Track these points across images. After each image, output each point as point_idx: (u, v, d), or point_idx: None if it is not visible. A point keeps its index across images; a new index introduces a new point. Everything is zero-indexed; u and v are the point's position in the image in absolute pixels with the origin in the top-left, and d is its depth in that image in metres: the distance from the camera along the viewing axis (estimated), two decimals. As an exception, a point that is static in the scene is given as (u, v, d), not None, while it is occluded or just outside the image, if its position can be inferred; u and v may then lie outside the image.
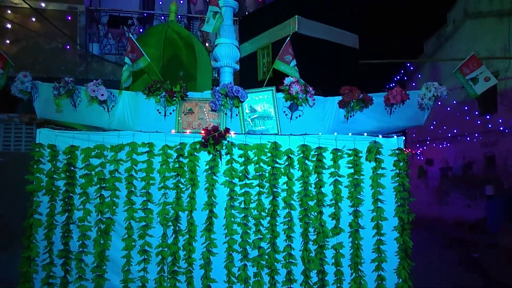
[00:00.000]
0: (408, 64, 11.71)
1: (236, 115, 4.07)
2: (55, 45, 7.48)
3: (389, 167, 3.70)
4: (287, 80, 3.95)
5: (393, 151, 3.71)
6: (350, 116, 4.00)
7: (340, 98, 3.98)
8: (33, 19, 7.54)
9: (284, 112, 4.08)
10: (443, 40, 16.31)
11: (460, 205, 15.41)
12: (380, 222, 3.66)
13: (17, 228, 4.62)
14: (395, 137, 3.76)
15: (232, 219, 3.59)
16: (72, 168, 3.59)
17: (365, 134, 3.81)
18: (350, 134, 3.80)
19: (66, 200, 3.55)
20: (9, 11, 7.56)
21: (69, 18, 7.65)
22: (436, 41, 16.87)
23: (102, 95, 3.78)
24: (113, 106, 3.95)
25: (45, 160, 3.60)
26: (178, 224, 3.59)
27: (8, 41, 7.46)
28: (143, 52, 3.91)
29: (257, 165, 3.66)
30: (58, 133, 3.65)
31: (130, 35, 4.19)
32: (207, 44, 7.96)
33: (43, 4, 7.56)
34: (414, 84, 13.34)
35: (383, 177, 3.67)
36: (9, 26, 7.45)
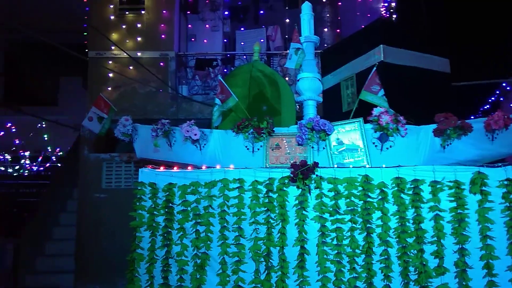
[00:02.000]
0: (504, 84, 10.74)
1: (323, 148, 4.04)
2: (149, 89, 8.16)
3: (497, 200, 3.36)
4: (375, 111, 3.85)
5: (501, 182, 3.37)
6: (447, 145, 3.75)
7: (434, 126, 3.76)
8: (130, 67, 8.36)
9: (374, 143, 3.95)
10: (542, 54, 14.84)
11: None
12: (490, 261, 3.30)
13: (118, 261, 4.97)
14: (502, 166, 3.42)
15: (325, 256, 3.48)
16: (170, 204, 3.80)
17: (466, 163, 3.52)
18: (448, 164, 3.54)
19: (165, 235, 3.75)
20: (110, 62, 8.48)
21: (161, 64, 8.36)
22: (533, 56, 15.40)
23: (195, 134, 4.01)
24: (205, 144, 4.16)
25: (146, 197, 3.86)
26: (270, 260, 3.58)
27: (109, 88, 8.31)
28: (231, 93, 4.10)
29: (348, 200, 3.55)
30: (158, 171, 3.91)
31: (220, 78, 4.43)
32: (286, 78, 8.13)
33: (139, 54, 8.36)
34: (512, 105, 12.17)
35: (491, 211, 3.34)
36: (110, 75, 8.33)
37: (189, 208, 3.76)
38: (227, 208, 3.71)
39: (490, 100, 11.22)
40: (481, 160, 3.65)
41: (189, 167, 3.94)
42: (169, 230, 3.75)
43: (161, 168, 3.96)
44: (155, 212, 3.80)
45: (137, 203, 3.83)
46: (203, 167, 3.93)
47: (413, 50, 4.60)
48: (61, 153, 11.57)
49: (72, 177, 8.67)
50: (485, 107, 10.80)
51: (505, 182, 3.37)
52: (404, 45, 4.56)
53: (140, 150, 4.32)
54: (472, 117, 5.22)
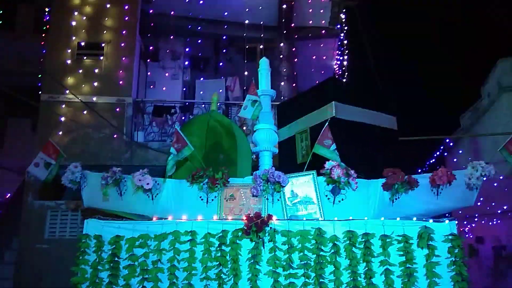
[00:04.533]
0: (448, 140, 11.51)
1: (278, 200, 4.04)
2: (103, 134, 7.99)
3: (443, 254, 3.45)
4: (328, 164, 3.94)
5: (446, 237, 3.48)
6: (396, 199, 3.88)
7: (383, 180, 3.91)
8: (84, 112, 8.17)
9: (326, 196, 4.02)
10: (479, 113, 16.07)
11: (521, 289, 13.90)
12: (439, 316, 3.33)
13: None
14: (447, 221, 3.55)
15: (277, 314, 3.38)
16: (116, 258, 3.59)
17: (414, 218, 3.63)
18: (397, 218, 3.64)
19: (109, 292, 3.50)
20: (63, 106, 8.27)
21: (118, 109, 8.26)
22: (472, 115, 16.63)
23: (148, 183, 3.89)
24: (157, 194, 4.04)
25: (90, 251, 3.63)
26: (221, 319, 3.42)
27: (60, 133, 8.04)
28: (187, 142, 4.07)
29: (302, 253, 3.52)
30: (105, 223, 3.72)
31: (177, 127, 4.41)
32: (244, 128, 8.25)
33: (94, 98, 8.24)
34: (455, 159, 12.95)
35: (438, 265, 3.41)
36: (62, 119, 8.09)
37: (136, 263, 3.56)
38: (177, 262, 3.55)
39: (435, 155, 11.95)
40: (428, 214, 3.77)
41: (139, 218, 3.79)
42: (114, 287, 3.51)
43: (108, 218, 3.77)
44: (99, 267, 3.57)
45: (80, 257, 3.59)
46: (154, 218, 3.79)
47: (362, 107, 4.85)
48: (1, 199, 10.81)
49: (13, 226, 8.07)
50: (431, 161, 11.45)
51: (450, 237, 3.48)
52: (354, 102, 4.81)
53: (88, 198, 4.14)
54: (420, 171, 5.46)
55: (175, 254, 3.56)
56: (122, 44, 8.69)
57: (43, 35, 9.14)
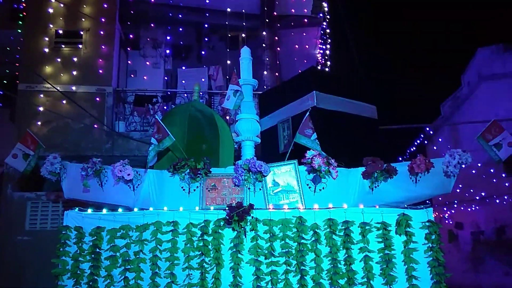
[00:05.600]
0: (428, 128, 11.74)
1: (260, 189, 4.07)
2: (83, 124, 7.85)
3: (420, 240, 3.53)
4: (309, 154, 3.98)
5: (424, 224, 3.57)
6: (375, 187, 3.96)
7: (363, 169, 3.97)
8: (64, 102, 8.00)
9: (308, 185, 4.06)
10: (459, 102, 16.39)
11: (498, 273, 14.38)
12: (416, 300, 3.42)
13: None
14: (424, 208, 3.63)
15: (259, 302, 3.42)
16: (97, 250, 3.57)
17: (392, 205, 3.71)
18: (376, 205, 3.70)
19: (91, 283, 3.49)
20: (41, 95, 8.08)
21: (98, 99, 8.11)
22: (452, 103, 16.96)
23: (129, 174, 3.87)
24: (138, 184, 4.02)
25: (71, 242, 3.60)
26: (203, 307, 3.44)
27: (39, 123, 7.87)
28: (168, 132, 4.04)
29: (283, 241, 3.56)
30: (85, 214, 3.69)
31: (157, 117, 4.38)
32: (227, 117, 8.22)
33: (73, 88, 8.07)
34: (435, 147, 13.21)
35: (415, 251, 3.50)
36: (41, 109, 7.90)
37: (118, 254, 3.55)
38: (160, 252, 3.56)
39: (416, 143, 12.18)
40: (406, 201, 3.86)
41: (120, 209, 3.76)
42: (95, 278, 3.50)
43: (89, 210, 3.73)
44: (80, 259, 3.55)
45: (61, 249, 3.55)
46: (136, 209, 3.77)
47: (343, 96, 4.87)
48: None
49: (-9, 218, 7.92)
50: (412, 149, 11.67)
51: (427, 224, 3.56)
52: (335, 92, 4.83)
53: (68, 190, 4.09)
54: (400, 159, 5.56)
55: (157, 244, 3.56)
56: (101, 32, 8.50)
57: (20, 23, 8.87)
